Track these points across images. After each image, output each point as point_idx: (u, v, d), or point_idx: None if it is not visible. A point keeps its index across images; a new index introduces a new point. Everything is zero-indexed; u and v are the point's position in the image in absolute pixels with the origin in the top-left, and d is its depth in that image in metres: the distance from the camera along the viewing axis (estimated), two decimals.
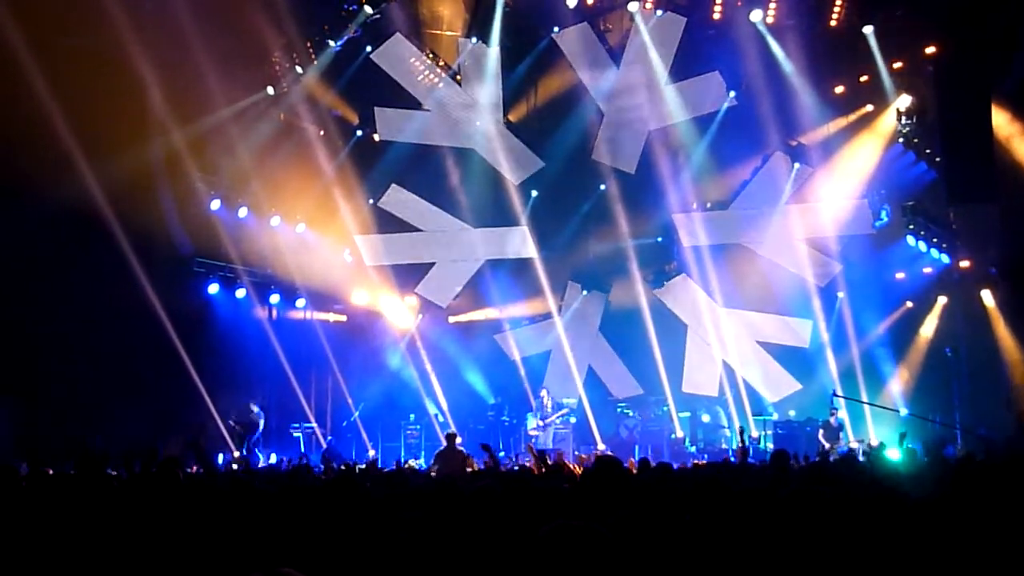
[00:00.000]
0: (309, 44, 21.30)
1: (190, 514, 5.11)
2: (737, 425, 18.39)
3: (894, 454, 12.76)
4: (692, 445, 21.81)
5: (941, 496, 4.56)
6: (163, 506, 5.17)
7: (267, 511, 4.97)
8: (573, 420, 21.97)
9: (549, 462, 11.48)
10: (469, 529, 3.65)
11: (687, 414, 22.54)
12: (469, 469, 13.34)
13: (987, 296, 20.73)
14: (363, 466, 13.15)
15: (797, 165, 21.96)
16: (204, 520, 4.98)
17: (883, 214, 21.42)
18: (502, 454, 19.66)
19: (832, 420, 19.60)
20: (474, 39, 22.15)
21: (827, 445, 18.71)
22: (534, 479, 9.04)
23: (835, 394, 19.50)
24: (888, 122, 21.10)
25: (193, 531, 4.82)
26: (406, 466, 16.11)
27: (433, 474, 12.98)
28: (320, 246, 22.70)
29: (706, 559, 4.10)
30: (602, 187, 23.00)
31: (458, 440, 16.99)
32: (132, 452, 6.70)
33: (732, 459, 15.82)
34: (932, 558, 3.92)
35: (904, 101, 20.63)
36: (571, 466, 12.37)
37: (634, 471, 9.32)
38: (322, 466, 15.18)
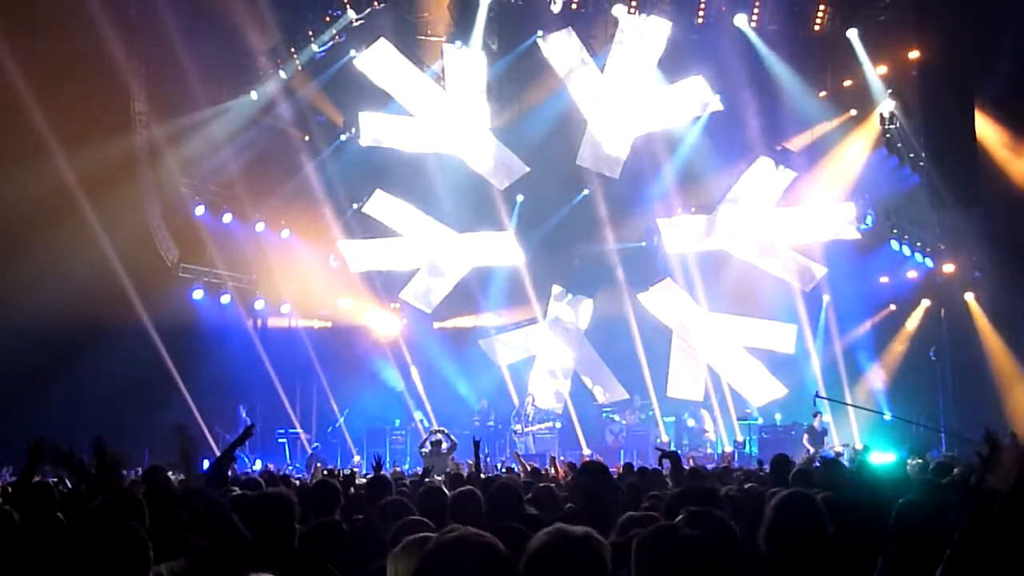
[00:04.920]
0: (293, 49, 21.26)
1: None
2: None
3: (880, 458, 12.69)
4: (677, 450, 21.73)
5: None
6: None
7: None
8: (558, 426, 21.94)
9: (530, 468, 11.43)
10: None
11: (672, 419, 22.50)
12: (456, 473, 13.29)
13: (971, 299, 20.85)
14: (347, 472, 13.08)
15: (782, 169, 21.97)
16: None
17: (867, 218, 21.48)
18: (488, 459, 19.59)
19: (816, 424, 19.54)
20: (459, 44, 22.11)
21: (811, 450, 18.64)
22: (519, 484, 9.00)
23: (817, 395, 19.41)
24: (872, 126, 21.20)
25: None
26: (393, 471, 16.04)
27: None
28: (305, 252, 22.62)
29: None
30: (586, 192, 22.99)
31: (444, 446, 17.01)
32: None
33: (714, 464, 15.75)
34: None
35: (888, 105, 20.73)
36: (554, 472, 12.32)
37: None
38: (306, 472, 15.01)
